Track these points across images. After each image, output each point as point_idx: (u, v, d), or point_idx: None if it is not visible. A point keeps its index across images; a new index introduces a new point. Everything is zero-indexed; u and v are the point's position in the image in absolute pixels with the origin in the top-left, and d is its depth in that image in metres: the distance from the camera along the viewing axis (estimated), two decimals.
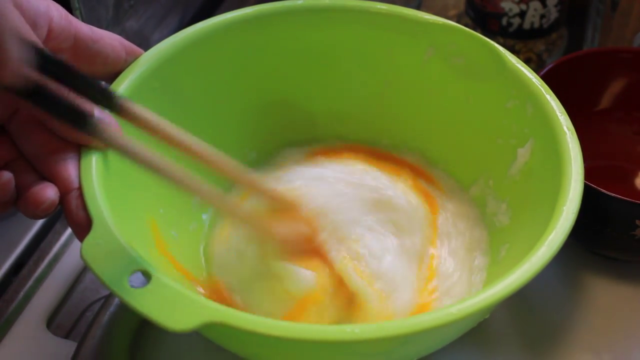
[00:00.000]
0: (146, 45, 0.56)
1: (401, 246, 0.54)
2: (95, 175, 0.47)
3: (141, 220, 0.52)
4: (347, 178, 0.56)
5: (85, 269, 0.62)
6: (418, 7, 0.76)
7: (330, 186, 0.55)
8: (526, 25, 0.71)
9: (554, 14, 0.70)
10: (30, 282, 0.61)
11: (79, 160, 0.47)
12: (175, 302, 0.41)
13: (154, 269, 0.42)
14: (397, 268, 0.52)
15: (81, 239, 0.43)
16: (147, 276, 0.42)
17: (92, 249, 0.42)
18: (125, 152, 0.45)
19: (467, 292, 0.53)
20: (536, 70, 0.57)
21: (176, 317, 0.40)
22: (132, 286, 0.41)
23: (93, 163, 0.47)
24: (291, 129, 0.63)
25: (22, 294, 0.61)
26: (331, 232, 0.52)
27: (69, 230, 0.65)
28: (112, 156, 0.49)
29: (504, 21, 0.71)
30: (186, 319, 0.40)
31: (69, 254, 0.63)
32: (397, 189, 0.56)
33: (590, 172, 0.54)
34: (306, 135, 0.63)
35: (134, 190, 0.52)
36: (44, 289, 0.60)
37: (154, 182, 0.55)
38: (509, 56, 0.56)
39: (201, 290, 0.53)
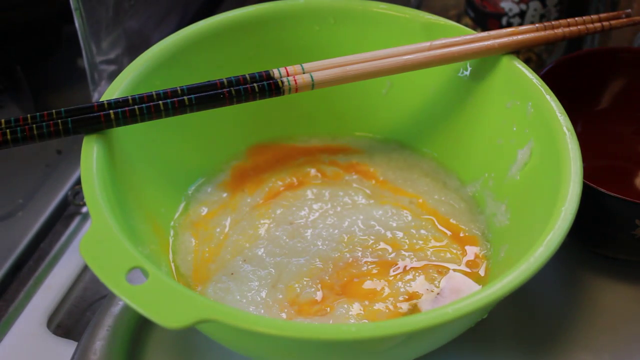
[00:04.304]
0: (146, 45, 0.56)
1: None
2: (95, 173, 0.47)
3: (142, 218, 0.52)
4: None
5: (85, 269, 0.62)
6: (418, 7, 0.76)
7: None
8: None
9: (554, 14, 0.70)
10: (30, 282, 0.61)
11: None
12: (172, 299, 0.41)
13: (153, 266, 0.42)
14: None
15: None
16: (145, 273, 0.42)
17: (90, 245, 0.42)
18: None
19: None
20: (536, 70, 0.57)
21: (172, 314, 0.40)
22: (130, 283, 0.41)
23: (94, 160, 0.47)
24: (290, 126, 0.63)
25: (22, 294, 0.61)
26: None
27: (69, 230, 0.65)
28: (114, 154, 0.50)
29: (504, 21, 0.71)
30: (182, 316, 0.40)
31: (69, 254, 0.63)
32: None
33: (590, 172, 0.54)
34: (304, 132, 0.63)
35: (135, 189, 0.52)
36: (44, 289, 0.60)
37: (156, 181, 0.56)
38: (509, 56, 0.56)
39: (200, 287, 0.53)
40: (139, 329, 0.55)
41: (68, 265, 0.62)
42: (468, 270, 0.54)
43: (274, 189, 0.59)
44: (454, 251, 0.55)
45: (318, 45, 0.60)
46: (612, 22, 0.59)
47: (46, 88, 0.77)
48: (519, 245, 0.50)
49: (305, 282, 0.53)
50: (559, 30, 0.57)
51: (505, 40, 0.56)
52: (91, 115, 0.49)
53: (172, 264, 0.54)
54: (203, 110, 0.51)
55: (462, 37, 0.56)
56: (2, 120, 0.48)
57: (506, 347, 0.56)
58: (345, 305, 0.51)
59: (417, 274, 0.53)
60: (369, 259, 0.54)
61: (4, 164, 0.70)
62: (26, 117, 0.48)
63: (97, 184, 0.46)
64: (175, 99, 0.50)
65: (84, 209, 0.67)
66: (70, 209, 0.67)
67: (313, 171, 0.61)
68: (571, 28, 0.58)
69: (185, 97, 0.50)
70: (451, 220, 0.57)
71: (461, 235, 0.57)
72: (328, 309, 0.51)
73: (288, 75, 0.52)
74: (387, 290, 0.52)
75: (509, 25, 0.71)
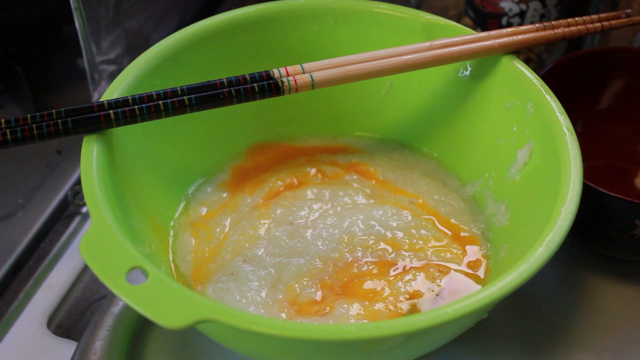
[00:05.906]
0: (146, 45, 0.56)
1: None
2: (95, 172, 0.47)
3: (142, 218, 0.52)
4: None
5: (85, 269, 0.62)
6: (418, 7, 0.76)
7: None
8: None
9: (554, 14, 0.70)
10: (30, 282, 0.61)
11: None
12: (172, 299, 0.41)
13: (153, 266, 0.42)
14: None
15: None
16: (145, 273, 0.42)
17: (90, 245, 0.42)
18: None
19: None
20: (536, 70, 0.57)
21: (172, 314, 0.40)
22: (130, 283, 0.41)
23: (94, 160, 0.47)
24: (290, 126, 0.63)
25: (22, 294, 0.61)
26: None
27: (69, 230, 0.65)
28: (114, 154, 0.50)
29: (504, 21, 0.71)
30: (182, 316, 0.40)
31: (69, 254, 0.63)
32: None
33: (590, 172, 0.54)
34: (304, 132, 0.63)
35: (135, 189, 0.52)
36: (44, 289, 0.60)
37: (156, 181, 0.56)
38: (509, 56, 0.56)
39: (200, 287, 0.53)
40: (139, 329, 0.55)
41: (68, 265, 0.62)
42: (468, 270, 0.54)
43: (274, 189, 0.59)
44: (455, 251, 0.55)
45: (318, 45, 0.61)
46: (612, 22, 0.59)
47: (46, 88, 0.77)
48: (519, 245, 0.50)
49: (305, 282, 0.53)
50: (559, 30, 0.57)
51: (505, 40, 0.56)
52: (91, 115, 0.49)
53: (172, 264, 0.54)
54: (203, 110, 0.51)
55: (462, 37, 0.56)
56: (2, 120, 0.48)
57: (506, 347, 0.56)
58: (345, 305, 0.51)
59: (417, 274, 0.53)
60: (369, 259, 0.54)
61: (4, 164, 0.70)
62: (26, 117, 0.48)
63: (97, 184, 0.46)
64: (175, 99, 0.50)
65: (84, 209, 0.67)
66: (70, 209, 0.67)
67: (313, 171, 0.61)
68: (571, 28, 0.58)
69: (185, 97, 0.50)
70: (451, 220, 0.57)
71: (462, 235, 0.57)
72: (328, 308, 0.51)
73: (288, 75, 0.52)
74: (387, 290, 0.52)
75: (509, 25, 0.71)
